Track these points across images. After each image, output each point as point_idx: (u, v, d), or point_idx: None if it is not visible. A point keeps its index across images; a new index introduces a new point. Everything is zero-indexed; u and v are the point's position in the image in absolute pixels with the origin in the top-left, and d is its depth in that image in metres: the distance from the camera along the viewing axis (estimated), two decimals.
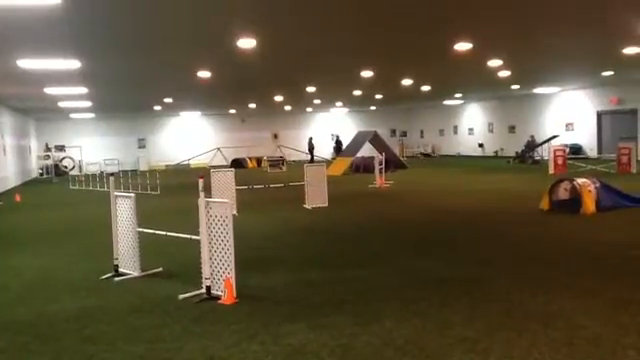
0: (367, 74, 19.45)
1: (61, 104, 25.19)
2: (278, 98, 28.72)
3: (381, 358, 4.28)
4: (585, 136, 30.38)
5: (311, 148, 38.32)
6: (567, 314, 5.05)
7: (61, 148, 36.63)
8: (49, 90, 19.38)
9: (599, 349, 4.26)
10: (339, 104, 36.61)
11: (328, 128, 44.25)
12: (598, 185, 11.34)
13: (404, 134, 46.02)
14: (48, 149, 35.51)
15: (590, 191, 11.09)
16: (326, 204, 13.64)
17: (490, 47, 14.74)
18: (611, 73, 22.36)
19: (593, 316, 4.97)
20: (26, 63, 13.39)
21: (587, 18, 11.32)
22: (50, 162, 34.37)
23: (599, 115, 29.82)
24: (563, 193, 11.45)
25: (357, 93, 27.53)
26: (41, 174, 34.29)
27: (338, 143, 38.95)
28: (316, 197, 13.67)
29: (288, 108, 36.75)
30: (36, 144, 35.82)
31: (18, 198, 18.70)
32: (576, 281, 6.16)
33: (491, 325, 4.86)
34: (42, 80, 16.85)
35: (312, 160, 35.65)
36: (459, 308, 5.37)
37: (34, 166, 34.30)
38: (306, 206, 13.50)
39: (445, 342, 4.52)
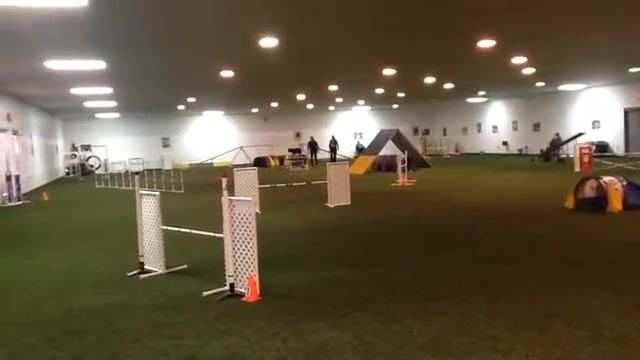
0: (390, 72, 19.41)
1: (87, 104, 25.60)
2: (300, 97, 28.80)
3: (403, 356, 4.28)
4: (612, 134, 29.91)
5: (333, 147, 37.69)
6: (592, 314, 5.00)
7: (87, 147, 37.24)
8: (75, 90, 19.71)
9: (624, 349, 4.20)
10: (361, 102, 36.54)
11: (350, 126, 44.27)
12: (625, 183, 11.17)
13: (427, 132, 45.80)
14: (74, 148, 36.15)
15: (617, 189, 10.92)
16: (349, 203, 13.64)
17: (514, 44, 14.61)
18: (638, 70, 21.97)
19: (618, 316, 4.91)
20: (53, 64, 13.66)
21: (614, 14, 11.14)
22: (76, 161, 35.01)
23: (626, 112, 29.32)
24: (589, 191, 11.30)
25: (379, 91, 27.48)
26: (68, 173, 34.90)
27: (312, 145, 36.70)
28: (338, 196, 13.68)
29: (310, 107, 36.80)
30: (63, 144, 36.43)
31: (45, 197, 19.05)
32: (601, 280, 6.09)
33: (514, 324, 4.83)
34: (68, 81, 17.16)
35: (334, 159, 35.36)
36: (481, 306, 5.34)
37: (61, 165, 34.91)
38: (328, 205, 13.53)
39: (467, 340, 4.50)
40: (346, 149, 41.88)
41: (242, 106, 35.00)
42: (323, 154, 38.51)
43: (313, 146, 35.64)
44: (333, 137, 37.74)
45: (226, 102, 31.00)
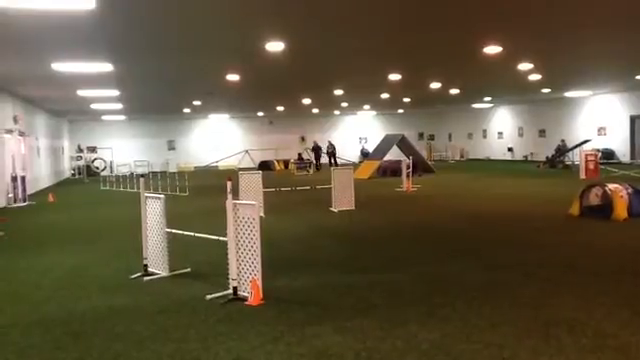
0: (395, 77, 19.41)
1: (93, 106, 25.70)
2: (306, 101, 28.83)
3: None
4: (617, 141, 29.80)
5: (331, 152, 36.95)
6: (596, 322, 4.98)
7: (93, 149, 37.33)
8: (82, 92, 19.78)
9: (628, 358, 4.19)
10: (366, 107, 36.52)
11: (355, 131, 44.28)
12: (630, 191, 11.13)
13: (432, 137, 45.74)
14: (80, 150, 36.24)
15: (622, 197, 10.88)
16: (353, 207, 13.63)
17: (520, 50, 14.58)
18: None
19: (623, 324, 4.89)
20: (60, 66, 13.71)
21: (621, 20, 11.12)
22: (82, 163, 35.10)
23: (632, 119, 29.21)
24: (594, 198, 11.26)
25: (385, 96, 27.47)
26: (73, 174, 35.02)
27: (316, 150, 35.09)
28: (343, 200, 13.67)
29: (315, 111, 36.79)
30: (69, 145, 36.57)
31: (51, 198, 19.12)
32: (606, 289, 6.06)
33: (517, 331, 4.82)
34: (75, 83, 17.22)
35: (331, 164, 34.77)
36: (485, 313, 5.33)
37: (67, 167, 35.02)
38: (333, 209, 13.52)
39: (470, 347, 4.49)
40: (351, 154, 41.85)
41: (248, 109, 35.04)
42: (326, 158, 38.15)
43: (317, 151, 35.26)
44: (330, 142, 37.22)
45: (232, 105, 31.05)
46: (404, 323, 5.12)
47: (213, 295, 6.19)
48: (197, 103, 27.80)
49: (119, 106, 26.43)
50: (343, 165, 28.27)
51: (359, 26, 10.92)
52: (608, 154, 29.22)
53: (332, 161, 34.39)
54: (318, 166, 33.91)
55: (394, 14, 10.00)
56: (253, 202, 6.30)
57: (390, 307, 5.68)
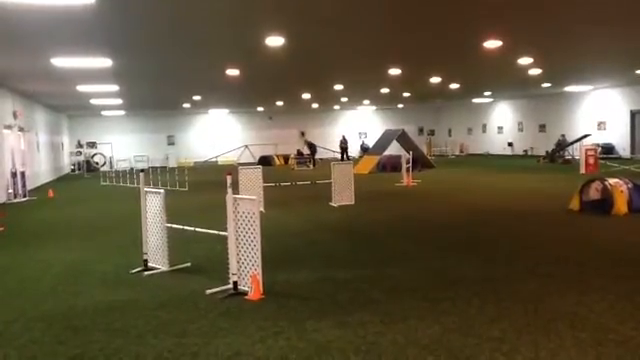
0: (395, 72, 19.38)
1: (93, 101, 25.66)
2: (305, 96, 28.79)
3: (406, 357, 4.27)
4: (617, 135, 29.81)
5: (344, 147, 37.05)
6: (596, 316, 4.98)
7: (92, 145, 37.34)
8: (81, 88, 19.76)
9: (628, 352, 4.19)
10: (366, 102, 36.49)
11: (355, 126, 44.23)
12: (630, 186, 11.12)
13: (432, 132, 45.72)
14: (80, 145, 36.23)
15: (622, 192, 10.88)
16: (353, 202, 13.63)
17: (520, 45, 14.55)
18: None
19: (623, 319, 4.89)
20: (60, 61, 13.68)
21: (621, 15, 11.10)
22: (82, 158, 35.12)
23: (633, 114, 29.20)
24: (594, 193, 11.25)
25: (385, 91, 27.44)
26: (73, 170, 35.04)
27: (312, 146, 34.70)
28: (343, 195, 13.67)
29: (315, 106, 36.75)
30: (68, 140, 36.55)
31: (51, 193, 19.12)
32: (606, 283, 6.06)
33: (517, 326, 4.82)
34: (75, 78, 17.19)
35: (343, 158, 35.10)
36: (485, 308, 5.33)
37: (66, 162, 35.01)
38: (332, 204, 13.52)
39: (470, 342, 4.49)
40: (351, 149, 41.83)
41: (247, 104, 34.99)
42: (320, 154, 38.00)
43: (311, 147, 35.05)
44: (344, 137, 37.19)
45: (231, 100, 31.02)
46: (404, 318, 5.13)
47: (213, 290, 6.19)
48: (197, 98, 27.77)
49: (119, 101, 26.41)
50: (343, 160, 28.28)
51: (359, 21, 10.90)
52: (608, 149, 29.22)
53: (344, 156, 34.35)
54: (314, 162, 33.85)
55: (394, 9, 9.98)
56: (253, 197, 6.29)
57: (390, 302, 5.68)
